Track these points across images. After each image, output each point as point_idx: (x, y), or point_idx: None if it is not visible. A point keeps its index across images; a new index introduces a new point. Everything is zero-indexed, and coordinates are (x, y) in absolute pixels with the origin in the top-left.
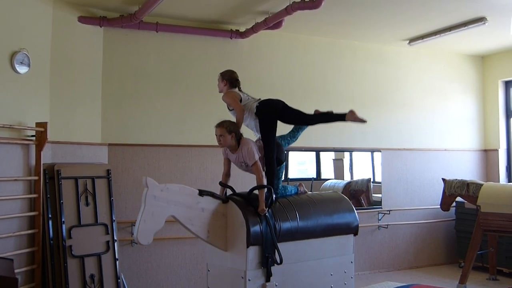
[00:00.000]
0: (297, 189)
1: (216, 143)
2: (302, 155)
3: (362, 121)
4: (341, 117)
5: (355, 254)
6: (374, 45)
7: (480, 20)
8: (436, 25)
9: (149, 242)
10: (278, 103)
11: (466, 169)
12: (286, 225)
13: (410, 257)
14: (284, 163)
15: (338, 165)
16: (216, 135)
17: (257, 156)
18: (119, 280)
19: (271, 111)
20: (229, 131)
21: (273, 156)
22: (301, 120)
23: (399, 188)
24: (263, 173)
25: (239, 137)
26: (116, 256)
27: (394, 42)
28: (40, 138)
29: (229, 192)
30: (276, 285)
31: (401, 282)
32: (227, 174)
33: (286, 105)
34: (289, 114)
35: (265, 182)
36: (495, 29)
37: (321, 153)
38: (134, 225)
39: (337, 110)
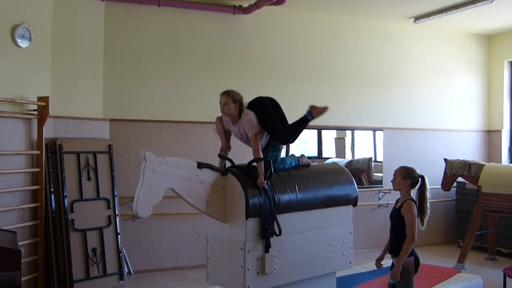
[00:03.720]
0: (299, 161)
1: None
2: (304, 133)
3: (325, 110)
4: (306, 119)
5: (355, 232)
6: (379, 23)
7: None
8: (442, 3)
9: (148, 215)
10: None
11: (468, 150)
12: (285, 197)
13: None
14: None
15: (339, 144)
16: (220, 103)
17: (257, 128)
18: (120, 254)
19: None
20: (234, 100)
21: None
22: (276, 129)
23: None
24: (260, 146)
25: (242, 109)
26: (118, 230)
27: (399, 20)
28: (42, 112)
29: (228, 164)
30: (275, 256)
31: None
32: (226, 147)
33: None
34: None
35: (261, 154)
36: (503, 8)
37: (323, 132)
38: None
39: (339, 88)
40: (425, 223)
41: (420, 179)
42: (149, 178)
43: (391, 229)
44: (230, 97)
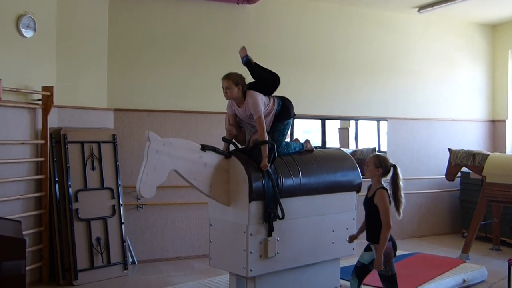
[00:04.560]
0: (303, 146)
1: (221, 110)
2: (308, 123)
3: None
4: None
5: (358, 220)
6: (384, 13)
7: None
8: None
9: (151, 195)
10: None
11: (472, 140)
12: (289, 181)
13: (414, 227)
14: (292, 120)
15: (343, 134)
16: (222, 87)
17: (262, 109)
18: (124, 244)
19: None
20: (235, 83)
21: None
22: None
23: (405, 157)
24: (265, 128)
25: (245, 90)
26: (122, 220)
27: (403, 9)
28: (47, 102)
29: (232, 148)
30: (277, 240)
31: (404, 251)
32: (230, 130)
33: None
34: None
35: (266, 137)
36: None
37: (327, 122)
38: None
39: (343, 78)
40: (401, 212)
41: (392, 168)
42: (152, 159)
43: (366, 216)
44: (231, 80)
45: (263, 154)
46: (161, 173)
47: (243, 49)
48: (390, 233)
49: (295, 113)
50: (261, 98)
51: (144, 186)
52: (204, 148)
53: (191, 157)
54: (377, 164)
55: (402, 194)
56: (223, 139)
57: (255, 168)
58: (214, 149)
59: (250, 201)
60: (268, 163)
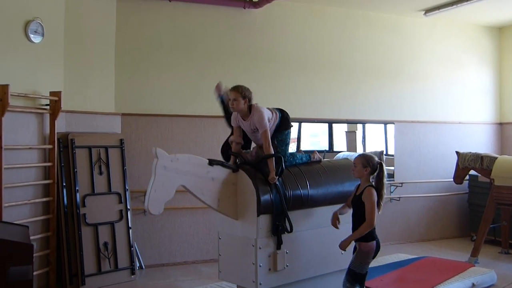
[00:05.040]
0: (310, 157)
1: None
2: (315, 127)
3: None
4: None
5: None
6: (390, 16)
7: None
8: None
9: (160, 212)
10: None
11: (480, 142)
12: (297, 193)
13: (421, 230)
14: (290, 130)
15: (350, 137)
16: (229, 98)
17: (267, 124)
18: (132, 249)
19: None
20: (243, 96)
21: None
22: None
23: (412, 160)
24: (270, 141)
25: (251, 104)
26: (129, 225)
27: (409, 12)
28: (54, 107)
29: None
30: (286, 253)
31: (412, 255)
32: (236, 143)
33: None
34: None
35: (272, 151)
36: None
37: (334, 126)
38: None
39: (350, 81)
40: (381, 206)
41: (378, 166)
42: (160, 175)
43: (353, 214)
44: (239, 93)
45: (270, 167)
46: (169, 189)
47: (218, 86)
48: (377, 236)
49: (303, 117)
50: (266, 113)
51: (152, 203)
52: (211, 162)
53: (199, 172)
54: (365, 164)
55: (385, 191)
56: (230, 152)
57: (262, 182)
58: (222, 164)
59: (258, 215)
60: (276, 176)
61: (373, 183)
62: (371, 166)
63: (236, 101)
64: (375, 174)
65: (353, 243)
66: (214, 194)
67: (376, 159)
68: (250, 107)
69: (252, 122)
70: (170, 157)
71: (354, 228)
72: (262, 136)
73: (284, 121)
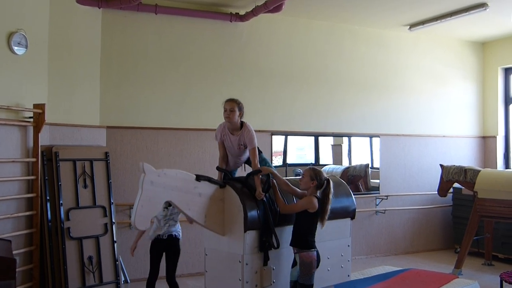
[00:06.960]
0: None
1: (215, 127)
2: (301, 140)
3: None
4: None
5: (352, 239)
6: (375, 30)
7: (481, 6)
8: (436, 10)
9: (146, 227)
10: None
11: (464, 156)
12: None
13: (407, 242)
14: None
15: (336, 150)
16: (225, 109)
17: (256, 142)
18: (117, 262)
19: None
20: (239, 108)
21: None
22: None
23: (397, 173)
24: (258, 159)
25: (242, 121)
26: (114, 239)
27: (394, 27)
28: (38, 119)
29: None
30: (273, 269)
31: (397, 267)
32: (224, 159)
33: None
34: None
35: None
36: (496, 16)
37: (320, 139)
38: (132, 208)
39: (336, 94)
40: (325, 221)
41: (325, 182)
42: (147, 191)
43: (294, 222)
44: (236, 104)
45: (256, 183)
46: (156, 205)
47: None
48: (316, 246)
49: (289, 130)
50: (254, 133)
51: (139, 218)
52: (198, 178)
53: (186, 188)
54: (313, 177)
55: (329, 207)
56: (218, 168)
57: (250, 197)
58: (209, 179)
59: (245, 231)
60: (263, 192)
61: (319, 195)
62: (318, 181)
63: (232, 112)
64: (322, 189)
65: (292, 257)
66: (201, 210)
67: (325, 175)
68: (241, 124)
69: (242, 138)
70: (157, 172)
71: (293, 236)
72: (251, 152)
73: None
